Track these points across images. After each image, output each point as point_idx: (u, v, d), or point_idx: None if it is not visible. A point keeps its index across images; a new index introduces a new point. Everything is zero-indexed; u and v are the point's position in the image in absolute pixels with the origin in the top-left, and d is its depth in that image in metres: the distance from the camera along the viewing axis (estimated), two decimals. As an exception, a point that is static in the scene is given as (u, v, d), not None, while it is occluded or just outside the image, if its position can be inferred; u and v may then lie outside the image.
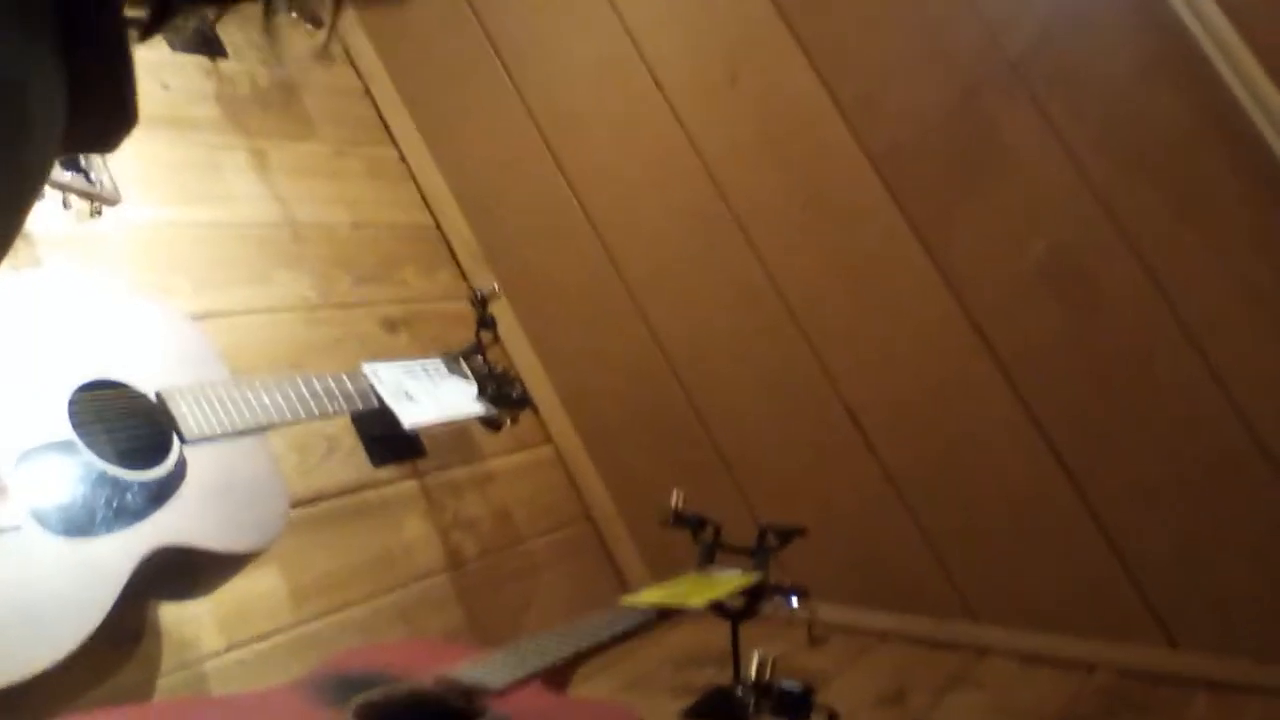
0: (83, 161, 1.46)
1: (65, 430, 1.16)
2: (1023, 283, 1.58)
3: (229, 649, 1.47)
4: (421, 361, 1.70)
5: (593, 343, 2.09)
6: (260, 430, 1.37)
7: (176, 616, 1.42)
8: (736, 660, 1.41)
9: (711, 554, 1.54)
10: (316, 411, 1.44)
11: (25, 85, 0.37)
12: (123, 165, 1.59)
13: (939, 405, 1.69)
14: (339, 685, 1.10)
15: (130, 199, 1.57)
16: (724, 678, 1.43)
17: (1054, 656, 1.59)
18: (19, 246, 1.47)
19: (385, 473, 1.80)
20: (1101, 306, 1.53)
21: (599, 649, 1.23)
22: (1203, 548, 1.47)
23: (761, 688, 1.34)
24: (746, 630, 1.44)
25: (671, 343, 1.98)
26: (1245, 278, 1.41)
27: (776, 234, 1.82)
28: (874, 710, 1.48)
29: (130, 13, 0.44)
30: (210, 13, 0.49)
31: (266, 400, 1.38)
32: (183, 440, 1.26)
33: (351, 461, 1.77)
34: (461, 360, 1.77)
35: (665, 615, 1.34)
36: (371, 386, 1.54)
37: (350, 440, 1.78)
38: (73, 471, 1.14)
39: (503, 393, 1.77)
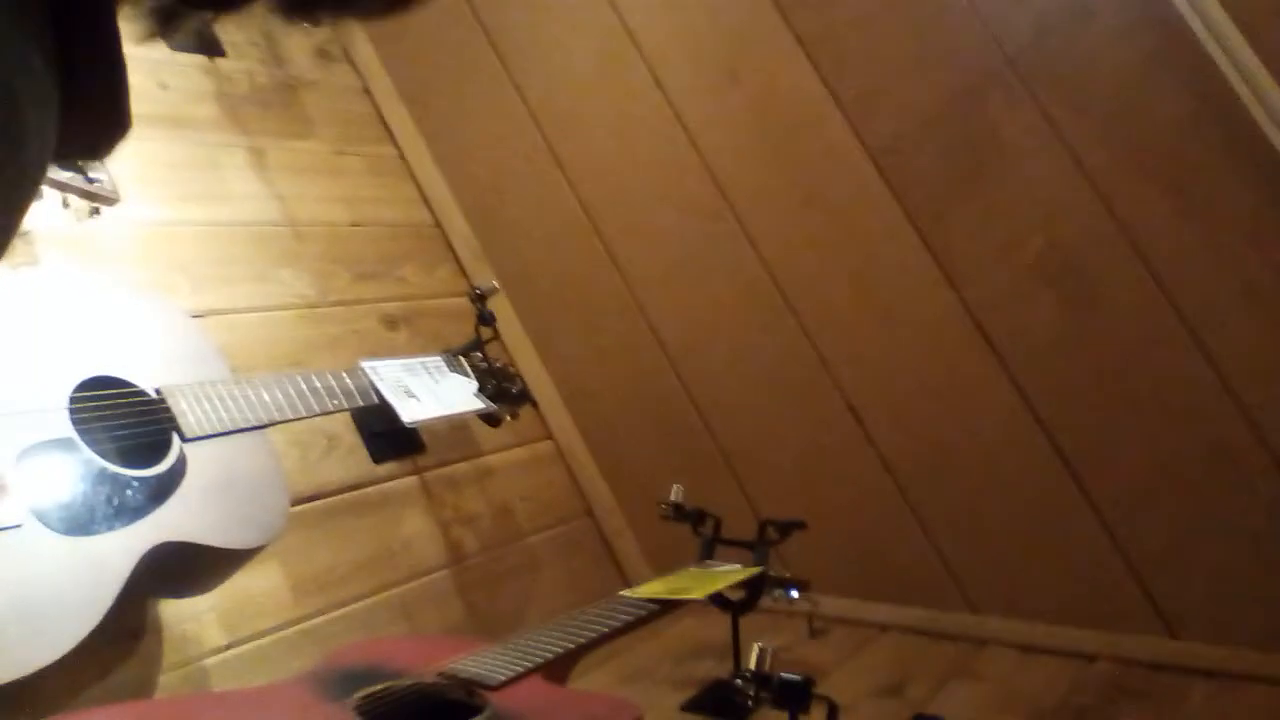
0: (80, 160, 1.46)
1: (65, 428, 1.16)
2: (1022, 278, 1.58)
3: (230, 645, 1.47)
4: (421, 358, 1.70)
5: (592, 338, 2.10)
6: (260, 427, 1.37)
7: (177, 613, 1.42)
8: (737, 652, 1.41)
9: (711, 547, 1.55)
10: (317, 408, 1.44)
11: (19, 91, 0.37)
12: (122, 164, 1.60)
13: (938, 399, 1.69)
14: (341, 680, 1.11)
15: (129, 198, 1.58)
16: (724, 670, 1.44)
17: (1053, 647, 1.59)
18: (18, 245, 1.47)
19: (385, 469, 1.81)
20: (1100, 301, 1.53)
21: (599, 642, 1.24)
22: (1201, 538, 1.48)
23: (762, 679, 1.35)
24: (747, 623, 1.44)
25: (671, 338, 1.98)
26: (1243, 272, 1.41)
27: (776, 229, 1.83)
28: (874, 701, 1.48)
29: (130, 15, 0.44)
30: (209, 13, 0.49)
31: (266, 397, 1.38)
32: (183, 438, 1.27)
33: (352, 458, 1.77)
34: (461, 357, 1.78)
35: (666, 608, 1.35)
36: (371, 383, 1.54)
37: (350, 437, 1.79)
38: (73, 469, 1.14)
39: (502, 388, 1.77)
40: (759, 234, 1.84)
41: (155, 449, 1.25)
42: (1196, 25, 1.37)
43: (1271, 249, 1.39)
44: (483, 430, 1.95)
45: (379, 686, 1.09)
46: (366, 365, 1.56)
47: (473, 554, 1.86)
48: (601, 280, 2.04)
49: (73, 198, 1.48)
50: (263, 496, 1.34)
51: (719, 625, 1.46)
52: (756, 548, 1.50)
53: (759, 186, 1.83)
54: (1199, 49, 1.37)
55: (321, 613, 1.59)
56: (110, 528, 1.13)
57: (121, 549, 1.13)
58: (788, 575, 1.46)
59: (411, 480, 1.84)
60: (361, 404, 1.52)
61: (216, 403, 1.32)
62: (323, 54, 2.27)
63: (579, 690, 1.30)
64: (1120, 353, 1.52)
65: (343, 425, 1.77)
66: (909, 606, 1.74)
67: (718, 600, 1.43)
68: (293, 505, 1.49)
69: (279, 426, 1.43)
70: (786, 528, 1.50)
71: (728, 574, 1.44)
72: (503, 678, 1.10)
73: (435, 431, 1.90)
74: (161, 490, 1.20)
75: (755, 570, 1.45)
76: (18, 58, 0.37)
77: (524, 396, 1.83)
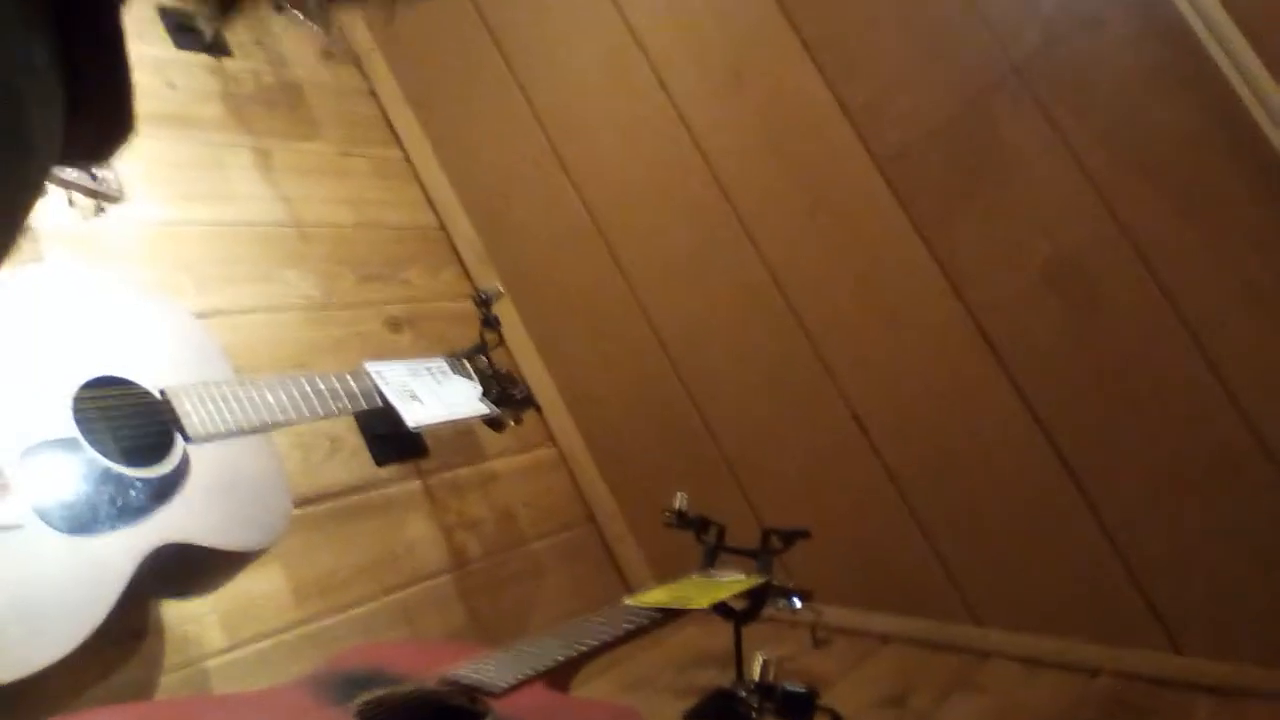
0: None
1: (69, 427, 1.16)
2: (1027, 285, 1.58)
3: (231, 647, 1.47)
4: (425, 361, 1.70)
5: (597, 343, 2.09)
6: (264, 429, 1.37)
7: (179, 614, 1.42)
8: (739, 662, 1.41)
9: (715, 556, 1.54)
10: (320, 411, 1.44)
11: (23, 92, 0.37)
12: (127, 163, 1.60)
13: (943, 407, 1.69)
14: (342, 684, 1.10)
15: (135, 197, 1.58)
16: (727, 679, 1.43)
17: (1057, 660, 1.59)
18: (22, 243, 1.47)
19: (388, 472, 1.80)
20: (1105, 308, 1.52)
21: (601, 650, 1.23)
22: (1206, 551, 1.47)
23: (764, 689, 1.34)
24: (749, 632, 1.44)
25: (675, 344, 1.98)
26: (1248, 279, 1.41)
27: (781, 235, 1.82)
28: (876, 713, 1.47)
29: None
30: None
31: (270, 399, 1.38)
32: (186, 438, 1.26)
33: (355, 461, 1.77)
34: (465, 360, 1.77)
35: (668, 616, 1.34)
36: (375, 386, 1.54)
37: (354, 440, 1.78)
38: (76, 469, 1.14)
39: (506, 393, 1.77)
40: (764, 239, 1.84)
41: (158, 449, 1.24)
42: (1201, 32, 1.36)
43: (1275, 255, 1.38)
44: (486, 435, 1.94)
45: (380, 692, 1.08)
46: (370, 368, 1.56)
47: (475, 559, 1.85)
48: (606, 285, 2.04)
49: (78, 196, 1.47)
50: (265, 498, 1.34)
51: (721, 634, 1.45)
52: (760, 556, 1.49)
53: (764, 191, 1.83)
54: (1204, 56, 1.37)
55: (323, 616, 1.59)
56: (113, 528, 1.12)
57: (124, 549, 1.12)
58: (791, 584, 1.45)
59: (414, 484, 1.84)
60: (365, 407, 1.52)
61: (220, 404, 1.32)
62: (329, 55, 2.27)
63: (581, 698, 1.29)
64: (1124, 359, 1.52)
65: (346, 428, 1.77)
66: (912, 617, 1.73)
67: (720, 609, 1.42)
68: (295, 507, 1.49)
69: (282, 428, 1.42)
70: (790, 536, 1.50)
71: (731, 583, 1.44)
72: (505, 684, 1.10)
73: (439, 435, 1.90)
74: (164, 491, 1.20)
75: (758, 579, 1.44)
76: (21, 58, 0.37)
77: (528, 401, 1.83)
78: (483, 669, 1.14)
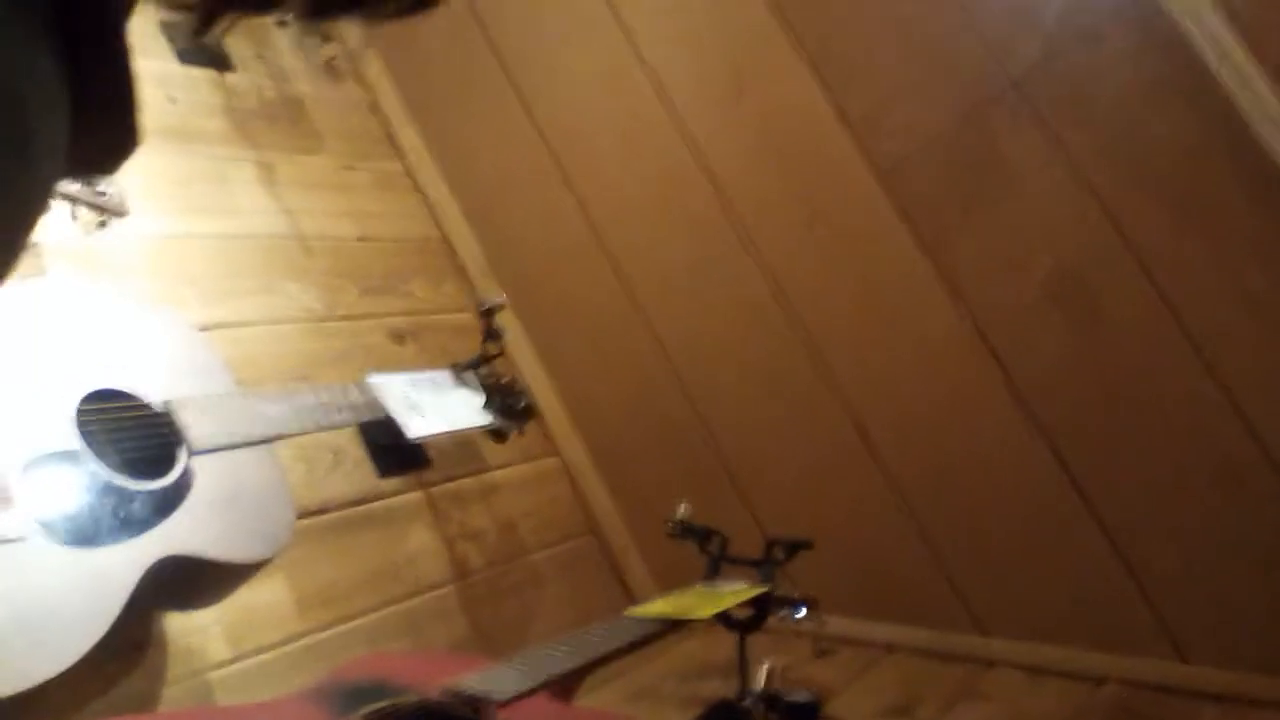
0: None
1: (72, 440, 1.16)
2: (1028, 297, 1.58)
3: (235, 659, 1.47)
4: (428, 373, 1.70)
5: (599, 354, 2.09)
6: (267, 441, 1.37)
7: (182, 626, 1.42)
8: (743, 672, 1.40)
9: (718, 566, 1.54)
10: (323, 422, 1.44)
11: (29, 104, 0.37)
12: (130, 177, 1.60)
13: (945, 418, 1.69)
14: (345, 695, 1.10)
15: (137, 211, 1.58)
16: (730, 689, 1.43)
17: (1061, 669, 1.58)
18: (26, 257, 1.47)
19: (391, 484, 1.80)
20: (1106, 320, 1.52)
21: (605, 660, 1.23)
22: (1210, 559, 1.47)
23: (768, 699, 1.34)
24: (753, 642, 1.44)
25: (678, 355, 1.98)
26: (1249, 290, 1.41)
27: (781, 248, 1.83)
28: (881, 722, 1.47)
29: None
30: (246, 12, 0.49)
31: (273, 411, 1.38)
32: (189, 451, 1.26)
33: (358, 472, 1.77)
34: (468, 371, 1.77)
35: (672, 627, 1.34)
36: (378, 397, 1.54)
37: (356, 451, 1.78)
38: (79, 481, 1.14)
39: (509, 404, 1.77)
40: (764, 251, 1.84)
41: (161, 462, 1.24)
42: (1201, 45, 1.37)
43: (1275, 265, 1.39)
44: (488, 446, 1.94)
45: (384, 703, 1.08)
46: (373, 379, 1.56)
47: (478, 570, 1.85)
48: (608, 296, 2.04)
49: (81, 210, 1.48)
50: (268, 510, 1.34)
51: (725, 644, 1.45)
52: (763, 566, 1.49)
53: (764, 204, 1.83)
54: (1203, 69, 1.37)
55: (326, 627, 1.59)
56: (116, 540, 1.12)
57: (126, 562, 1.12)
58: (794, 594, 1.45)
59: (417, 495, 1.84)
60: (368, 418, 1.52)
61: (223, 416, 1.32)
62: (331, 69, 2.28)
63: (585, 708, 1.29)
64: (1126, 370, 1.52)
65: (348, 439, 1.77)
66: (916, 627, 1.73)
67: (724, 619, 1.42)
68: (298, 519, 1.49)
69: (285, 440, 1.42)
70: (793, 547, 1.49)
71: (734, 593, 1.44)
72: (508, 695, 1.09)
73: (441, 447, 1.90)
74: (167, 503, 1.20)
75: (762, 589, 1.44)
76: (26, 68, 0.37)
77: (530, 412, 1.83)
78: (486, 679, 1.13)
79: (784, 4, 1.76)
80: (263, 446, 1.37)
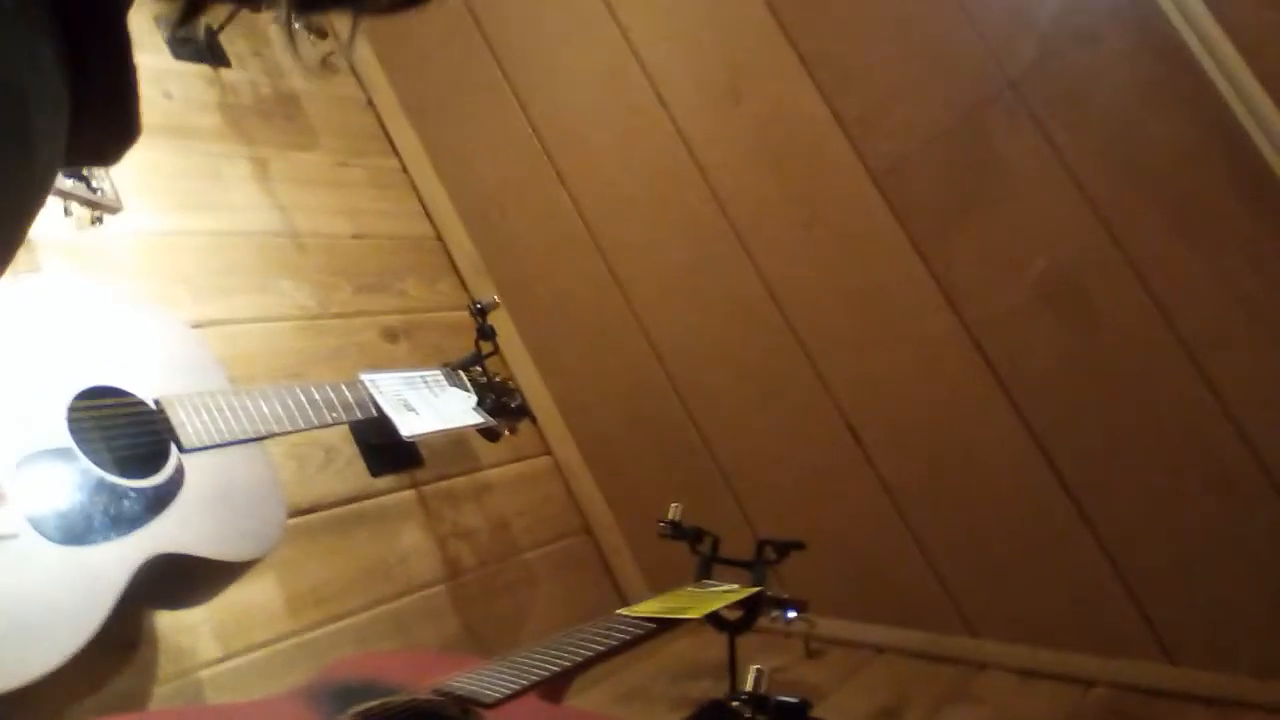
0: (84, 169, 1.46)
1: (63, 437, 1.16)
2: (1023, 300, 1.58)
3: (225, 658, 1.47)
4: (421, 371, 1.70)
5: (592, 354, 2.09)
6: (259, 439, 1.37)
7: (173, 625, 1.42)
8: (733, 673, 1.40)
9: (709, 567, 1.54)
10: (315, 421, 1.44)
11: (30, 94, 0.37)
12: (124, 173, 1.60)
13: (938, 420, 1.69)
14: (335, 694, 1.10)
15: (131, 207, 1.58)
16: (720, 690, 1.43)
17: (1051, 672, 1.59)
18: (19, 253, 1.47)
19: (383, 482, 1.80)
20: (1100, 324, 1.53)
21: (595, 660, 1.23)
22: (1201, 563, 1.47)
23: (758, 701, 1.34)
24: (744, 643, 1.44)
25: (671, 355, 1.98)
26: (1244, 294, 1.41)
27: (777, 249, 1.83)
28: (870, 725, 1.47)
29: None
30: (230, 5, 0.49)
31: (265, 409, 1.38)
32: (181, 449, 1.26)
33: (350, 471, 1.77)
34: (461, 370, 1.77)
35: (662, 627, 1.34)
36: (370, 396, 1.54)
37: (349, 450, 1.78)
38: (70, 479, 1.14)
39: (502, 403, 1.77)
40: (760, 252, 1.84)
41: (153, 459, 1.24)
42: (1197, 49, 1.37)
43: (1271, 270, 1.39)
44: (481, 445, 1.94)
45: (374, 703, 1.08)
46: (366, 378, 1.56)
47: (470, 569, 1.85)
48: (602, 296, 2.04)
49: (75, 206, 1.48)
50: (260, 508, 1.34)
51: (716, 645, 1.45)
52: (754, 567, 1.49)
53: (760, 205, 1.83)
54: (1199, 72, 1.37)
55: (317, 626, 1.59)
56: (107, 538, 1.12)
57: (118, 560, 1.12)
58: (785, 595, 1.45)
59: (409, 494, 1.84)
60: (360, 417, 1.52)
61: (215, 414, 1.32)
62: (326, 66, 2.28)
63: (575, 709, 1.29)
64: (1120, 375, 1.52)
65: (341, 438, 1.77)
66: (907, 628, 1.73)
67: (715, 620, 1.42)
68: (289, 518, 1.49)
69: (277, 438, 1.42)
70: (785, 548, 1.49)
71: (725, 593, 1.43)
72: (498, 695, 1.10)
73: (433, 445, 1.90)
74: (159, 501, 1.20)
75: (753, 590, 1.44)
76: (28, 61, 0.37)
77: (523, 411, 1.83)
78: (476, 679, 1.13)
79: (781, 4, 1.76)
80: (255, 445, 1.37)
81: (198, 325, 1.63)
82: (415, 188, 2.27)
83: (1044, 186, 1.54)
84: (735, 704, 1.37)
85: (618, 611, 1.37)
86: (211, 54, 2.04)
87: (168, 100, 1.90)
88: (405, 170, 2.27)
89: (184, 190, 1.82)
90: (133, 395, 1.27)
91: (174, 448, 1.26)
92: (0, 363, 1.16)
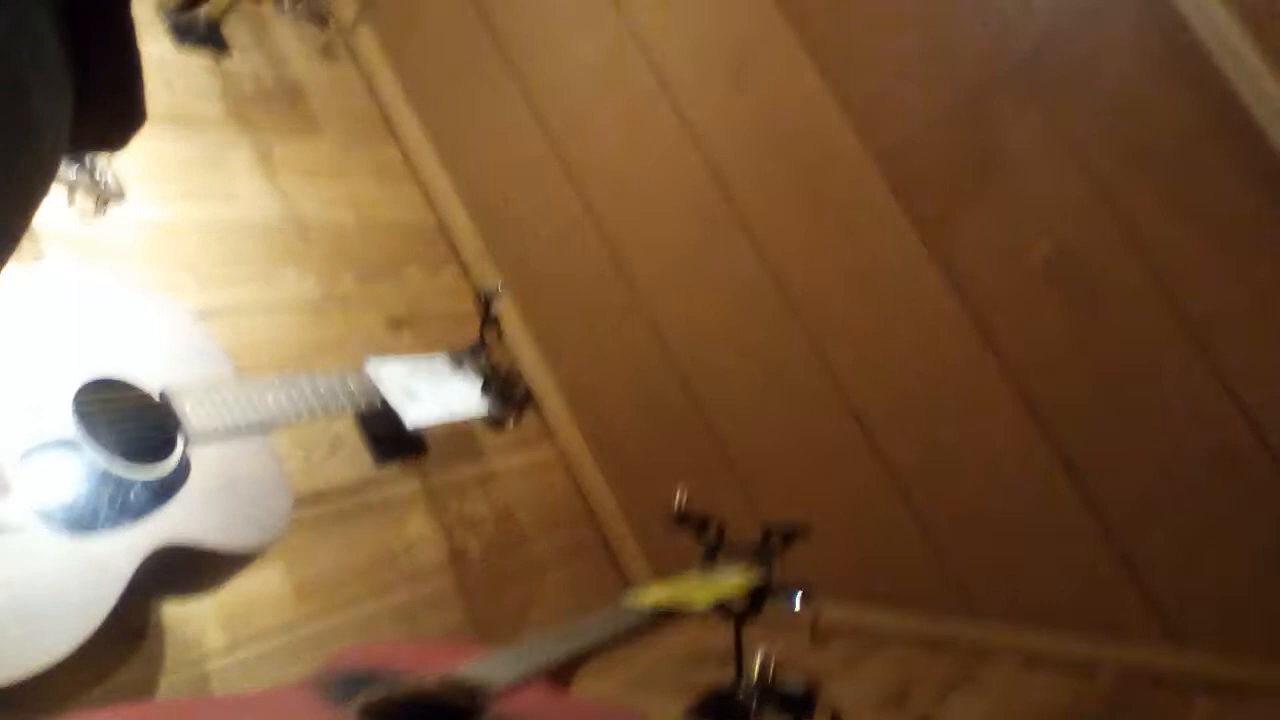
0: (87, 158, 1.46)
1: (69, 428, 1.16)
2: (1027, 282, 1.58)
3: (232, 648, 1.47)
4: (426, 360, 1.70)
5: (597, 342, 2.09)
6: (264, 429, 1.37)
7: (179, 614, 1.42)
8: (739, 659, 1.41)
9: (715, 553, 1.54)
10: (320, 410, 1.44)
11: (31, 82, 0.37)
12: (127, 162, 1.60)
13: (942, 404, 1.69)
14: (342, 684, 1.10)
15: (135, 196, 1.58)
16: (727, 677, 1.43)
17: (1057, 655, 1.59)
18: (22, 242, 1.47)
19: (389, 471, 1.80)
20: (1104, 305, 1.52)
21: (602, 648, 1.23)
22: (1206, 547, 1.47)
23: (764, 687, 1.34)
24: (749, 629, 1.44)
25: (676, 342, 1.98)
26: (1248, 275, 1.41)
27: (780, 232, 1.82)
28: (877, 710, 1.47)
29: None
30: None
31: (270, 399, 1.38)
32: (187, 438, 1.26)
33: (355, 460, 1.77)
34: (466, 359, 1.77)
35: (669, 614, 1.34)
36: (375, 385, 1.54)
37: (354, 439, 1.78)
38: (77, 469, 1.14)
39: (506, 391, 1.77)
40: (763, 237, 1.84)
41: (159, 450, 1.24)
42: (1202, 28, 1.36)
43: (1275, 252, 1.38)
44: (486, 434, 1.94)
45: (380, 691, 1.08)
46: (370, 367, 1.56)
47: (475, 558, 1.85)
48: (606, 283, 2.04)
49: (78, 196, 1.48)
50: (266, 498, 1.34)
51: (721, 631, 1.45)
52: (760, 553, 1.49)
53: (764, 189, 1.83)
54: (1205, 53, 1.37)
55: (323, 616, 1.59)
56: (113, 528, 1.12)
57: (124, 550, 1.12)
58: (791, 581, 1.45)
59: (414, 483, 1.84)
60: (365, 406, 1.52)
61: (220, 404, 1.32)
62: (329, 54, 2.27)
63: (582, 697, 1.29)
64: (1123, 355, 1.52)
65: (346, 427, 1.77)
66: (912, 614, 1.73)
67: (720, 607, 1.42)
68: (295, 507, 1.49)
69: (282, 428, 1.42)
70: (790, 533, 1.49)
71: (731, 580, 1.44)
72: (505, 683, 1.10)
73: (439, 434, 1.90)
74: (165, 491, 1.20)
75: (758, 576, 1.44)
76: (30, 48, 0.37)
77: (528, 400, 1.83)
78: (482, 667, 1.14)
79: (784, -12, 1.75)
80: (260, 434, 1.37)
81: (202, 315, 1.63)
82: (418, 175, 2.26)
83: (1048, 169, 1.54)
84: (742, 691, 1.38)
85: (623, 599, 1.37)
86: (213, 42, 2.04)
87: (170, 89, 1.90)
88: (408, 158, 2.27)
89: (187, 179, 1.82)
90: (138, 386, 1.27)
91: (180, 438, 1.26)
92: (5, 354, 1.16)
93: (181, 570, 1.23)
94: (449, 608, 1.76)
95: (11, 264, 0.45)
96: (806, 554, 1.50)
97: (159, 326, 1.39)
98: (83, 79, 0.41)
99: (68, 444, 1.14)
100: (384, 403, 1.53)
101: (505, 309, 2.04)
